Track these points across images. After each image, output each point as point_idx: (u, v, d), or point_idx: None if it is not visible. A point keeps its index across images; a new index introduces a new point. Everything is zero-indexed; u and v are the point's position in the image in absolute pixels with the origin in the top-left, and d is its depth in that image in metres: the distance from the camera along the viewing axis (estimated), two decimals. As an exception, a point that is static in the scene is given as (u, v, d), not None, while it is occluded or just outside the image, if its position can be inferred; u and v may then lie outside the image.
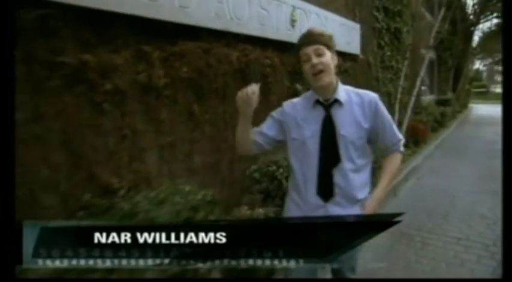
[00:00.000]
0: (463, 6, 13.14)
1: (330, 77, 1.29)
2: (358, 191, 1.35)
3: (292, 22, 3.22)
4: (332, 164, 1.31)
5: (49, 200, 1.64)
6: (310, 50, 1.26)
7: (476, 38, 16.63)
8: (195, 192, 1.67)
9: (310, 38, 1.28)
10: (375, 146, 1.43)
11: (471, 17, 13.90)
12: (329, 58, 1.28)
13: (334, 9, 4.42)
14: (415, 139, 6.66)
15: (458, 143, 7.88)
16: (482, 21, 14.28)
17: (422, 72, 6.88)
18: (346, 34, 4.53)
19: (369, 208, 1.35)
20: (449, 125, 9.91)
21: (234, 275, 1.52)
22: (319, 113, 1.34)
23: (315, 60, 1.25)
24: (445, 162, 5.97)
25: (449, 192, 4.23)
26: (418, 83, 6.72)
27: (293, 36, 3.26)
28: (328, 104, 1.33)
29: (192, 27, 2.22)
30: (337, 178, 1.32)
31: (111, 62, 1.82)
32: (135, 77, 1.96)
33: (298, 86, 3.53)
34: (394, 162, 1.44)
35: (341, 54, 4.37)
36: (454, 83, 13.90)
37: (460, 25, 12.73)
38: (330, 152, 1.31)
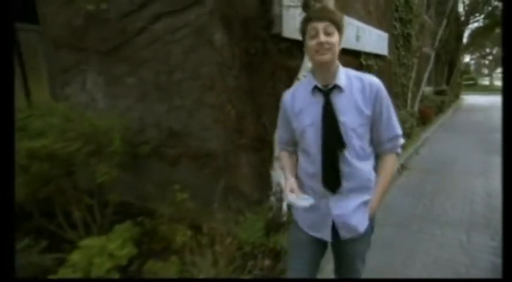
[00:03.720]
0: (456, 10, 15.07)
1: (333, 56, 1.22)
2: (365, 180, 1.31)
3: (357, 37, 4.99)
4: (335, 153, 1.26)
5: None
6: (320, 25, 1.18)
7: (465, 35, 18.66)
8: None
9: (323, 13, 1.21)
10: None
11: (462, 18, 15.86)
12: (336, 39, 1.21)
13: (372, 24, 6.20)
14: (423, 120, 8.56)
15: (455, 123, 9.89)
16: (471, 21, 16.24)
17: (430, 68, 8.75)
18: (381, 41, 6.34)
19: (371, 212, 1.35)
20: (446, 111, 11.88)
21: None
22: (318, 100, 1.28)
23: (322, 38, 1.17)
24: (447, 135, 7.89)
25: (453, 151, 6.14)
26: (426, 76, 8.59)
27: (358, 46, 5.05)
28: (327, 90, 1.26)
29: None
30: (343, 167, 1.27)
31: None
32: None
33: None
34: (388, 166, 1.36)
35: (378, 56, 6.22)
36: (447, 76, 15.90)
37: (452, 25, 14.66)
38: (332, 140, 1.26)
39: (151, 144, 3.20)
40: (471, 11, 15.49)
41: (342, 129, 1.24)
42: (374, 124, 1.29)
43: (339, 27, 1.22)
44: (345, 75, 1.28)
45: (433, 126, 8.67)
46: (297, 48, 3.44)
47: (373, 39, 5.82)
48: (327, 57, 1.20)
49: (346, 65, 1.35)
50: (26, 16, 4.58)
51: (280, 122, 1.47)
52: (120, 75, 3.56)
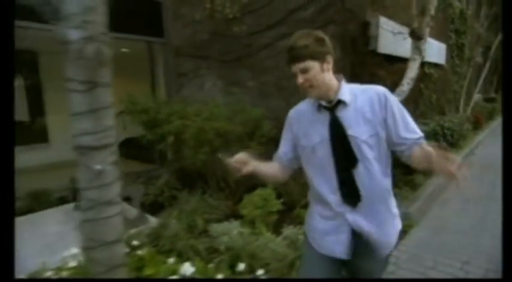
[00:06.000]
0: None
1: (319, 89, 1.24)
2: (384, 190, 1.30)
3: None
4: (350, 167, 1.26)
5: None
6: (295, 68, 1.21)
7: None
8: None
9: (293, 54, 1.20)
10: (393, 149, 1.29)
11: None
12: (316, 71, 1.21)
13: (433, 36, 6.93)
14: (475, 125, 9.05)
15: (506, 130, 10.22)
16: (523, 29, 16.16)
17: (483, 76, 9.24)
18: (440, 51, 7.06)
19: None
20: (496, 118, 12.14)
21: None
22: (325, 117, 1.29)
23: (300, 78, 1.21)
24: (499, 140, 8.34)
25: (508, 153, 6.70)
26: (479, 84, 9.09)
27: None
28: (332, 106, 1.27)
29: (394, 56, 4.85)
30: (360, 180, 1.26)
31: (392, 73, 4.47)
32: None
33: (421, 84, 6.08)
34: (425, 148, 1.17)
35: (437, 65, 6.93)
36: (497, 84, 15.93)
37: (503, 34, 14.76)
38: (344, 155, 1.26)
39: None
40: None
41: (353, 143, 1.25)
42: (390, 129, 1.25)
43: (316, 57, 1.20)
44: (348, 90, 1.28)
45: (484, 132, 9.14)
46: (387, 61, 4.36)
47: (434, 50, 6.56)
48: (314, 94, 1.26)
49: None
50: (152, 31, 5.82)
51: (284, 136, 1.45)
52: (240, 80, 4.62)
